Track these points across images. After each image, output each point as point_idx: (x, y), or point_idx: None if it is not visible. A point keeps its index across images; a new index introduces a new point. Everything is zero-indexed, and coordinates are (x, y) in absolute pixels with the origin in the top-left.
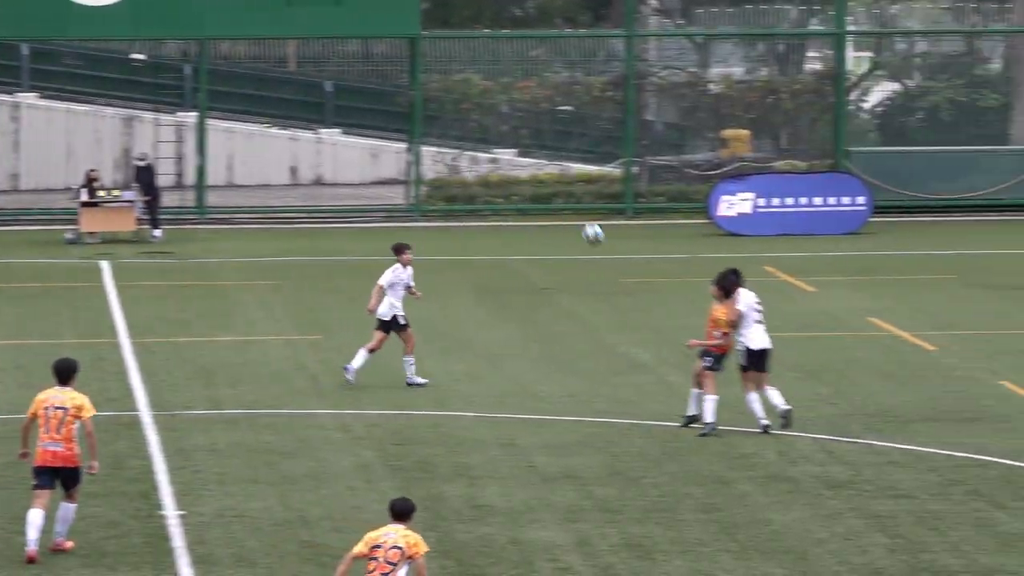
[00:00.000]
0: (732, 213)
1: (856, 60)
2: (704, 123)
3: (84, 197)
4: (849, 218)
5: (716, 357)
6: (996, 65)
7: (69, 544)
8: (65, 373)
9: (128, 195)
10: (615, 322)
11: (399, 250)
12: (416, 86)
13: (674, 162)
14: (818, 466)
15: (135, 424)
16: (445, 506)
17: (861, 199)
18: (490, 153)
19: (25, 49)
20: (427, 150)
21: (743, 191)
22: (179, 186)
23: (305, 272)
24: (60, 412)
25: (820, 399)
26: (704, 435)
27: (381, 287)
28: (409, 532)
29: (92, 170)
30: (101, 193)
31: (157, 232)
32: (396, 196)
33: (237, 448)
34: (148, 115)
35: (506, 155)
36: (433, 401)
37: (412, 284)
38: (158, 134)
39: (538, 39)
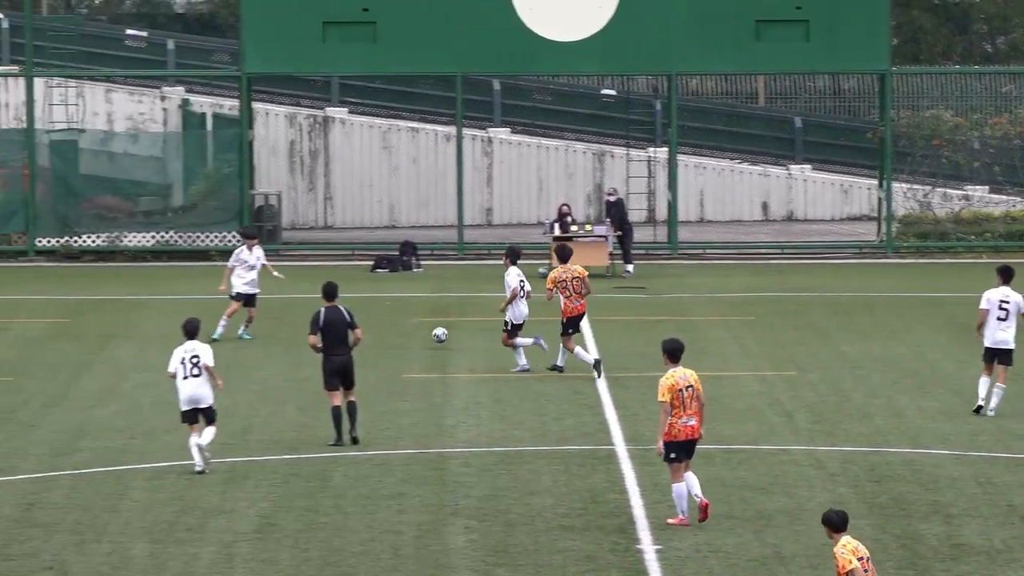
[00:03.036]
0: None
1: None
2: None
3: (556, 232)
4: None
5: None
6: None
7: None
8: (679, 354)
9: (600, 230)
10: None
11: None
12: (886, 122)
13: None
14: None
15: (611, 458)
16: (922, 544)
17: None
18: (962, 190)
19: (496, 84)
20: (898, 186)
21: None
22: (650, 221)
23: (777, 308)
24: (690, 390)
25: None
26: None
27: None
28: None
29: (564, 205)
30: (573, 228)
31: (629, 267)
32: (867, 232)
33: (713, 483)
34: (619, 150)
35: (978, 192)
36: (907, 438)
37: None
38: (629, 169)
39: (1010, 75)
